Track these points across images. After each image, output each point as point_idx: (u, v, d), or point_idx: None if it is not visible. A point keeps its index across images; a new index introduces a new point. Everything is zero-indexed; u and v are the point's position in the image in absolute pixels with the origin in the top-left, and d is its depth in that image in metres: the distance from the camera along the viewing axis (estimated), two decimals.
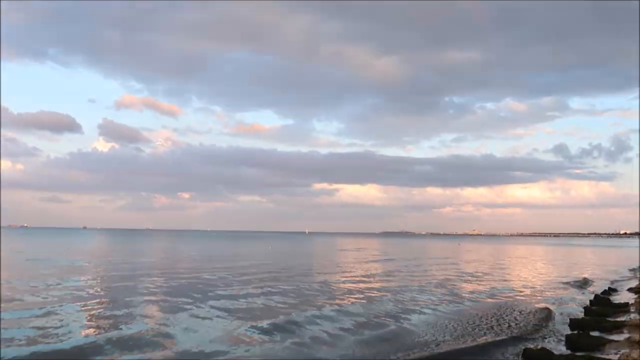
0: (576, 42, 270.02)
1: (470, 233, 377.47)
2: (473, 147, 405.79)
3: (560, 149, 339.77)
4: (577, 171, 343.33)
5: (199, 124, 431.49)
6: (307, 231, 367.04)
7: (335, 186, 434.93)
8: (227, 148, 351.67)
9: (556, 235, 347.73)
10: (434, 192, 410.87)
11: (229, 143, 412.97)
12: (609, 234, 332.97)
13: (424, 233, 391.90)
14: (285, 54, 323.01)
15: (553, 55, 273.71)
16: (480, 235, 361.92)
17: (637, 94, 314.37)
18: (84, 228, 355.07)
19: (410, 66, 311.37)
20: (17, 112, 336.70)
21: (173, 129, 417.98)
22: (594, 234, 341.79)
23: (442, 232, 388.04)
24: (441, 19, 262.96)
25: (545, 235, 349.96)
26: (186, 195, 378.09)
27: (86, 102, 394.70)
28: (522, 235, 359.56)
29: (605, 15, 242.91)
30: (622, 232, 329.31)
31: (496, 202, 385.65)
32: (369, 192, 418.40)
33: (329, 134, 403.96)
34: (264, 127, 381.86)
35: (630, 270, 45.59)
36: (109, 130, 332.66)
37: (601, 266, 50.60)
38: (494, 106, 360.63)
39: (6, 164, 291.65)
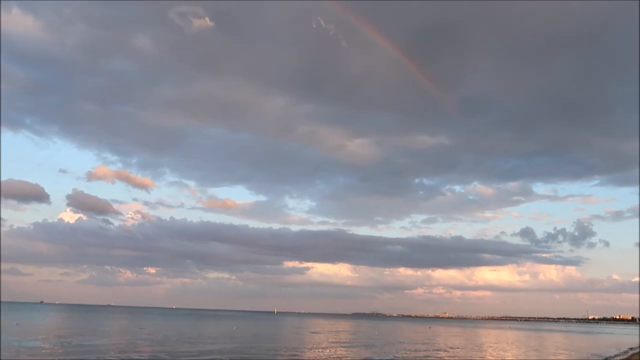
0: (535, 131, 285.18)
1: (442, 316, 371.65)
2: (443, 229, 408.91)
3: (526, 233, 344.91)
4: (544, 255, 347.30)
5: (171, 197, 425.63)
6: (275, 310, 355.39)
7: (306, 264, 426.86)
8: (198, 223, 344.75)
9: (526, 319, 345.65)
10: (405, 272, 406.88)
11: (200, 218, 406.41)
12: (577, 319, 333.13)
13: (395, 315, 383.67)
14: (260, 132, 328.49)
15: (515, 142, 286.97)
16: (452, 318, 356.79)
17: (597, 181, 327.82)
18: (41, 302, 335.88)
19: (381, 148, 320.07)
20: None
21: (144, 202, 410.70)
22: (564, 318, 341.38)
23: (413, 314, 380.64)
24: (411, 105, 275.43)
25: (515, 319, 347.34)
26: (152, 270, 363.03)
27: (57, 172, 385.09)
28: (492, 318, 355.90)
29: (560, 106, 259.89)
30: (590, 317, 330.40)
31: (466, 284, 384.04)
32: (340, 272, 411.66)
33: (300, 212, 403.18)
34: (235, 202, 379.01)
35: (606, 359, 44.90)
36: (77, 202, 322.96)
37: (580, 353, 49.67)
38: (462, 189, 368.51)
39: None
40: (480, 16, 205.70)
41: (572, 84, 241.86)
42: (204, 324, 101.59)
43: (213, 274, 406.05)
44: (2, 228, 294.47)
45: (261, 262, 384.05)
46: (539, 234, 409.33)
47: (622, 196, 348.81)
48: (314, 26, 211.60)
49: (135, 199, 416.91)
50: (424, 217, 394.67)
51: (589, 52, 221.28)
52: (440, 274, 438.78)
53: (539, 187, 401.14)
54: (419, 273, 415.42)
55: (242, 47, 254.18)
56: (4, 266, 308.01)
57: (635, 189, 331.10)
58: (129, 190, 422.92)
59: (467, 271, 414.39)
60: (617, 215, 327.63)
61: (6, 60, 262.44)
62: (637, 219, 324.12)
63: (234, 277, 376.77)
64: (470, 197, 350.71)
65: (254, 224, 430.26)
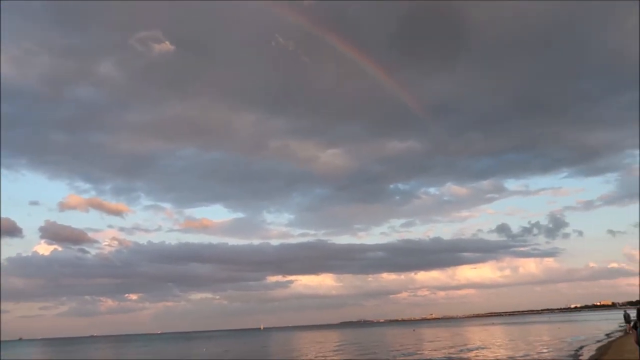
0: (503, 129, 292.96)
1: (428, 318, 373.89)
2: (422, 231, 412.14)
3: (502, 229, 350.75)
4: (522, 249, 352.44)
5: (147, 222, 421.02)
6: (262, 327, 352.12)
7: (289, 277, 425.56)
8: (177, 245, 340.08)
9: (511, 313, 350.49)
10: (388, 277, 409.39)
11: (178, 239, 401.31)
12: (560, 308, 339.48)
13: (382, 320, 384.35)
14: (233, 149, 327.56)
15: (485, 141, 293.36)
16: (438, 319, 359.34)
17: (566, 173, 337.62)
18: (20, 340, 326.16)
19: (354, 157, 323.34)
20: None
21: (120, 228, 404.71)
22: (547, 310, 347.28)
23: (400, 319, 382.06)
24: (379, 113, 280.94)
25: (500, 314, 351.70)
26: (134, 297, 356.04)
27: (28, 204, 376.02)
28: (477, 316, 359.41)
29: (524, 104, 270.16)
30: (572, 306, 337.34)
31: (449, 284, 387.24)
32: (324, 282, 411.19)
33: (280, 225, 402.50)
34: (212, 221, 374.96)
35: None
36: (51, 233, 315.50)
37: (565, 340, 50.98)
38: (437, 191, 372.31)
39: None
40: (439, 23, 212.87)
41: (532, 83, 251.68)
42: (190, 345, 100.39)
43: (196, 295, 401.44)
44: None
45: (244, 279, 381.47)
46: (515, 228, 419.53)
47: (591, 186, 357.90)
48: (273, 44, 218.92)
49: (110, 226, 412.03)
50: (402, 221, 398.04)
51: (546, 51, 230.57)
52: (423, 276, 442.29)
53: (511, 183, 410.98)
54: (402, 277, 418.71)
55: (206, 68, 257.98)
56: None
57: (600, 178, 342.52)
58: (103, 218, 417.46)
59: (449, 271, 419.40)
60: (588, 205, 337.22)
61: None
62: (608, 207, 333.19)
63: (217, 297, 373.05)
64: (446, 198, 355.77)
65: (233, 241, 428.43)
